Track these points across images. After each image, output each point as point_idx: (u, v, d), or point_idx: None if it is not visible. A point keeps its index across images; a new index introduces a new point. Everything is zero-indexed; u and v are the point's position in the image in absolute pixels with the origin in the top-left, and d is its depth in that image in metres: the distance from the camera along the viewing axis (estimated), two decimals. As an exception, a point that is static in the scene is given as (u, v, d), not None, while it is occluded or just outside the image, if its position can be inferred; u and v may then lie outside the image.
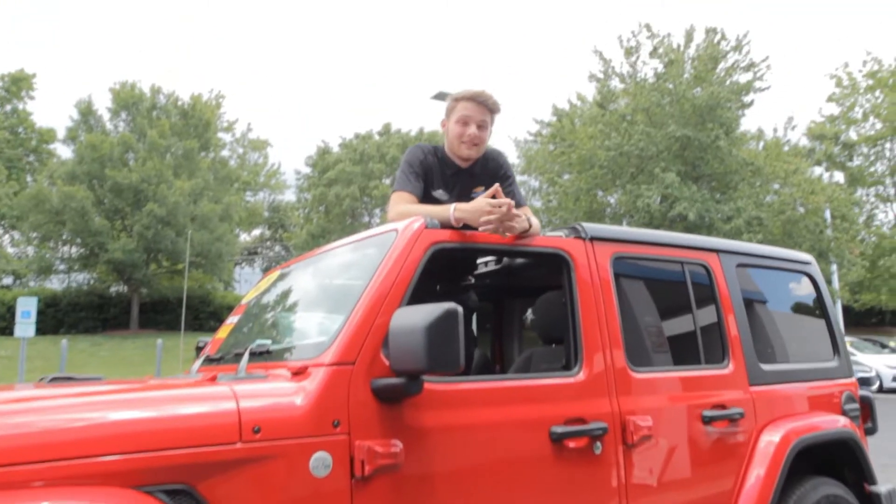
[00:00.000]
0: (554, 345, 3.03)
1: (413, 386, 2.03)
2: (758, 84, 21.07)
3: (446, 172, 2.98)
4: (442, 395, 2.18)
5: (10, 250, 33.88)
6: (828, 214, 21.63)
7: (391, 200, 2.81)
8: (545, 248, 2.66)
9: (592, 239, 2.75)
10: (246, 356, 2.33)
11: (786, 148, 22.85)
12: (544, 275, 3.16)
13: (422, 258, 2.30)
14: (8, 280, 34.74)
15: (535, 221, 2.64)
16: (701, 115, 20.07)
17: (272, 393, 2.02)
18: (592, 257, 2.72)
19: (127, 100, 29.04)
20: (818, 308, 3.68)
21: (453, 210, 2.52)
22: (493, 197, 2.53)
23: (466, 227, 2.52)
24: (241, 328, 3.06)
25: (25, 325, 13.46)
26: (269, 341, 2.64)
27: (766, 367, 3.13)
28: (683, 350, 3.03)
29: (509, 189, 2.89)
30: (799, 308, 3.73)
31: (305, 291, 2.86)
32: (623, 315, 2.71)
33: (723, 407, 2.85)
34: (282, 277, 3.15)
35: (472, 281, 3.25)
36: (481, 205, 2.47)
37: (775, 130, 23.46)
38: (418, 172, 2.89)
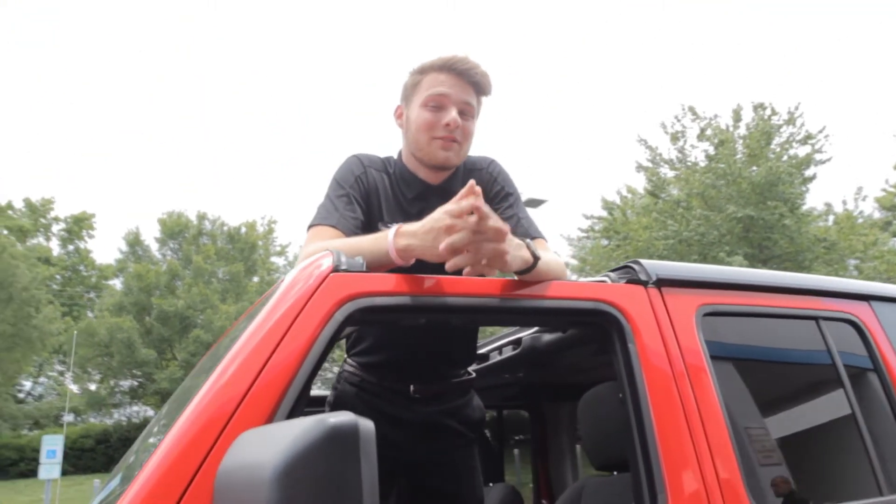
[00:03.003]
0: (616, 472, 1.84)
1: None
2: (817, 156, 19.86)
3: (405, 194, 1.80)
4: None
5: (72, 387, 33.90)
6: (917, 289, 19.67)
7: (305, 240, 1.67)
8: (577, 303, 1.49)
9: (661, 283, 1.58)
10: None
11: (859, 220, 21.22)
12: (590, 355, 1.99)
13: (322, 328, 1.17)
14: (69, 417, 34.51)
15: (553, 257, 1.51)
16: (761, 193, 18.86)
17: None
18: (664, 315, 1.53)
19: (173, 228, 29.39)
20: None
21: (393, 236, 1.40)
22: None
23: (425, 265, 1.39)
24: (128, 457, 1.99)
25: (50, 467, 12.46)
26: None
27: None
28: (839, 472, 1.76)
29: (511, 213, 1.75)
30: None
31: (181, 397, 1.75)
32: (730, 416, 1.50)
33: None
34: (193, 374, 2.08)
35: (473, 376, 1.97)
36: (438, 219, 1.33)
37: (844, 203, 21.98)
38: (352, 196, 1.71)
